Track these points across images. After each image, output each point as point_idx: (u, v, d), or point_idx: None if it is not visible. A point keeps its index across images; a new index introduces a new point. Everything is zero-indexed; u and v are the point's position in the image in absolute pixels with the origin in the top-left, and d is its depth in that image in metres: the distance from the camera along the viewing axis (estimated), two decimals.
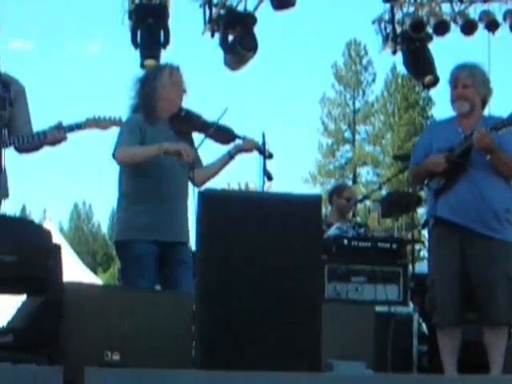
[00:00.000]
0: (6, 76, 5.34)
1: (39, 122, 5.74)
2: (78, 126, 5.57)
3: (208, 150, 6.20)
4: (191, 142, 6.00)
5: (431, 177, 6.08)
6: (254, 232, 3.85)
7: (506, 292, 5.73)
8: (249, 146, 5.97)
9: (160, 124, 5.93)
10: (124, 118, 5.90)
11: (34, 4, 70.05)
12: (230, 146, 6.04)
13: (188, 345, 4.55)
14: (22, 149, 5.66)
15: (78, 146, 5.76)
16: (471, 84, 5.98)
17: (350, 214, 9.41)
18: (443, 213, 5.91)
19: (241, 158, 6.07)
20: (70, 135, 5.56)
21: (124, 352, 4.43)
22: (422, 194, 6.39)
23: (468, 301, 5.81)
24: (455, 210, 5.83)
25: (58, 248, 4.11)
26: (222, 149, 6.08)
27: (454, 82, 6.06)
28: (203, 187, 5.95)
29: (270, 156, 5.85)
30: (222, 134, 5.96)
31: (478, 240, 5.77)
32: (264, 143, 5.84)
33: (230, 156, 6.05)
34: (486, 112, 6.23)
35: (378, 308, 6.47)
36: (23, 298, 4.09)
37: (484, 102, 6.11)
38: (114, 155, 5.87)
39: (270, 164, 5.82)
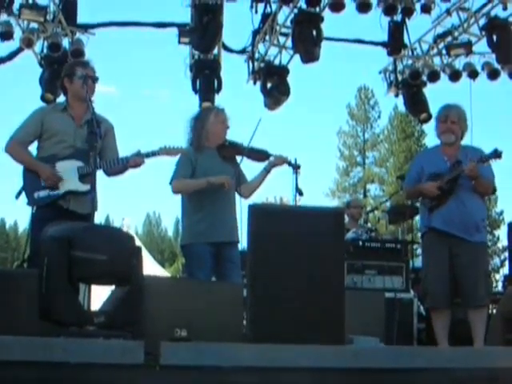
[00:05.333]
0: (98, 116, 5.39)
1: (122, 150, 5.81)
2: (153, 153, 5.61)
3: (251, 169, 6.24)
4: (235, 164, 6.05)
5: (423, 197, 6.17)
6: (291, 236, 3.84)
7: (483, 283, 5.82)
8: (279, 161, 6.00)
9: (209, 152, 5.99)
10: (185, 148, 5.93)
11: (114, 51, 70.35)
12: (266, 163, 6.07)
13: (239, 323, 4.56)
14: (109, 172, 5.69)
15: (150, 169, 5.81)
16: (457, 121, 6.08)
17: (362, 220, 9.48)
18: (437, 224, 5.97)
19: (276, 174, 6.13)
20: (146, 160, 5.61)
21: (189, 329, 4.46)
22: (418, 204, 6.39)
23: (455, 289, 5.85)
24: (447, 222, 5.90)
25: (139, 249, 4.12)
26: (261, 167, 6.12)
27: (444, 118, 6.13)
28: (249, 198, 6.05)
29: (299, 167, 5.86)
30: (257, 154, 6.01)
31: (462, 244, 5.84)
32: (296, 163, 5.86)
33: (267, 171, 6.09)
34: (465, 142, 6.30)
35: (387, 294, 6.47)
36: (112, 287, 4.11)
37: (462, 135, 6.18)
38: (170, 183, 5.95)
39: (300, 182, 5.85)
